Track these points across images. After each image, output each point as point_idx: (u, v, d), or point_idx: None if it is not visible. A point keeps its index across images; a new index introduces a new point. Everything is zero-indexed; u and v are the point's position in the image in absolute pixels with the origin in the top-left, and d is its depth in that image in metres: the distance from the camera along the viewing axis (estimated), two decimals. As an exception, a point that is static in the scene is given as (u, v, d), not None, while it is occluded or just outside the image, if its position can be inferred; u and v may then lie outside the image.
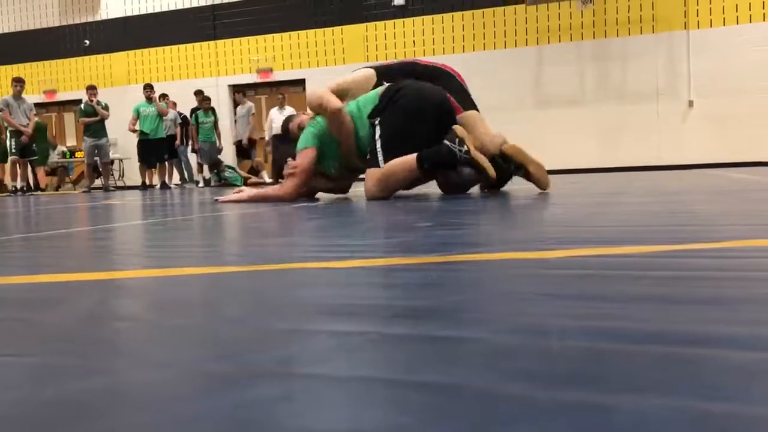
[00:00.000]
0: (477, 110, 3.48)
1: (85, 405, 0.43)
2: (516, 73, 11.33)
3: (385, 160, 3.19)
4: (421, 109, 3.22)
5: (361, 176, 3.54)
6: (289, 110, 10.40)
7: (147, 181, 11.02)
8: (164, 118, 10.83)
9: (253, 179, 10.76)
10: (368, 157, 3.30)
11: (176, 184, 11.49)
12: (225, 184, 10.72)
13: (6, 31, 15.18)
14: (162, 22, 13.86)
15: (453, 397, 0.41)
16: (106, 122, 10.71)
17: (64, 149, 14.18)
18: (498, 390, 0.42)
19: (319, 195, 3.88)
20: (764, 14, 10.43)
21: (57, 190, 13.22)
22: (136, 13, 14.14)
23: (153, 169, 11.22)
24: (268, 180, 10.80)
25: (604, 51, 11.10)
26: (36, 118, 10.35)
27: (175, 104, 11.61)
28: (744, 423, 0.36)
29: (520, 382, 0.43)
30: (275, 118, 10.60)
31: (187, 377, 0.48)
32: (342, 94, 3.50)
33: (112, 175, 12.73)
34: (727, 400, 0.39)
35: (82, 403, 0.43)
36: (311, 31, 12.83)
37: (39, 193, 10.30)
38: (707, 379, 0.43)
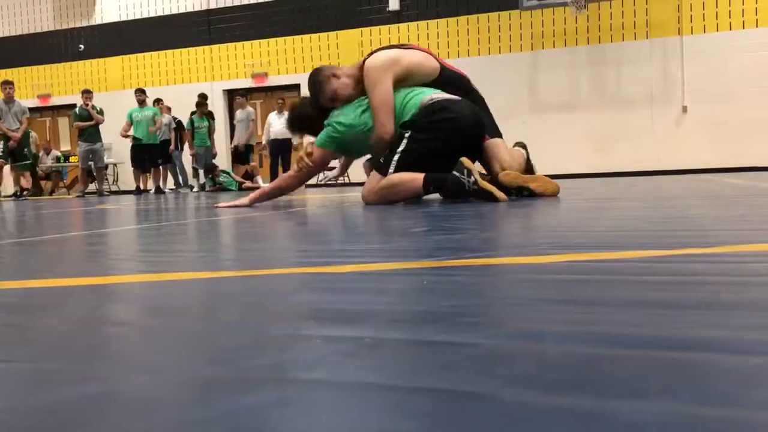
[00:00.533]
0: (501, 137, 3.48)
1: (78, 411, 0.42)
2: (511, 78, 11.36)
3: (395, 171, 3.19)
4: (454, 137, 3.19)
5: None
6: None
7: (141, 186, 11.00)
8: (157, 122, 10.80)
9: (248, 184, 10.75)
10: (381, 160, 3.28)
11: (170, 189, 11.46)
12: (220, 188, 10.71)
13: (0, 35, 15.15)
14: (157, 26, 13.86)
15: (449, 402, 0.41)
16: (101, 127, 10.69)
17: (58, 154, 14.14)
18: (494, 395, 0.42)
19: (319, 199, 3.88)
20: (757, 20, 10.50)
21: (51, 194, 13.18)
22: (131, 17, 14.15)
23: (147, 174, 11.21)
24: (262, 185, 10.78)
25: (598, 56, 11.16)
26: (24, 125, 9.89)
27: (169, 109, 11.60)
28: (740, 428, 0.35)
29: (516, 387, 0.43)
30: (274, 123, 10.60)
31: (182, 383, 0.48)
32: (405, 76, 3.39)
33: (107, 179, 12.69)
34: (722, 404, 0.39)
35: (75, 409, 0.43)
36: (306, 36, 12.85)
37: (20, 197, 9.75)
38: (703, 383, 0.43)
